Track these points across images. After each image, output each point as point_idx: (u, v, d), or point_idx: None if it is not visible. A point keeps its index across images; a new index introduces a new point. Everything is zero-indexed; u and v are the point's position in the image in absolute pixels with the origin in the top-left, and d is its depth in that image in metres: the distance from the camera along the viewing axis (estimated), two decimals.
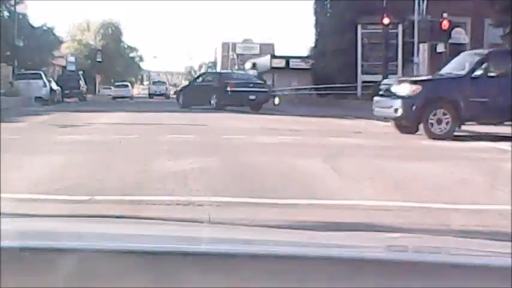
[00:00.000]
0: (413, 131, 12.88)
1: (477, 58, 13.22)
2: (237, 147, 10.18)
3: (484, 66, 12.91)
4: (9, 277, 1.13)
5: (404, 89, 12.80)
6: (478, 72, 12.80)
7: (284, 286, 1.15)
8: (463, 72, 12.99)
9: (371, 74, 30.28)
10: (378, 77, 28.68)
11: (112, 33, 76.82)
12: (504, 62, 13.13)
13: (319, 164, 8.01)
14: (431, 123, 12.51)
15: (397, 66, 30.10)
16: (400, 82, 13.75)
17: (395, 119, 13.25)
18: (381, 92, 14.12)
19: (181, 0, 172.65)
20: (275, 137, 11.83)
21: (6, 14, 39.54)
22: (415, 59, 26.04)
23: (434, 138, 12.20)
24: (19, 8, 40.55)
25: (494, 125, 13.41)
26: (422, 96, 12.54)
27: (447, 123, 12.54)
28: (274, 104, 35.08)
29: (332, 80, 31.98)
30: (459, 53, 14.82)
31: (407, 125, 13.09)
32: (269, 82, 53.10)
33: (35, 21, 44.31)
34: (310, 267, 1.17)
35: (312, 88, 39.45)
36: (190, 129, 13.57)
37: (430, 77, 15.83)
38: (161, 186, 6.23)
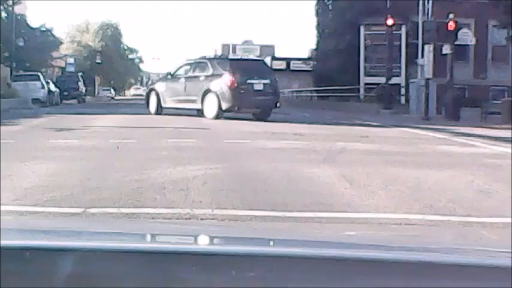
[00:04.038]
0: None
1: None
2: (241, 152, 9.75)
3: None
4: (9, 277, 1.15)
5: None
6: None
7: (284, 286, 1.16)
8: None
9: (374, 76, 29.89)
10: (381, 79, 28.32)
11: (111, 35, 76.60)
12: None
13: (329, 172, 7.57)
14: None
15: (400, 68, 29.70)
16: None
17: None
18: None
19: (181, 1, 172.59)
20: (280, 142, 11.42)
21: (4, 14, 39.14)
22: (419, 61, 25.64)
23: None
24: (17, 9, 40.23)
25: None
26: None
27: None
28: (276, 107, 34.73)
29: (334, 82, 31.60)
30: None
31: None
32: None
33: (34, 21, 44.07)
34: (310, 267, 1.17)
35: (313, 90, 39.09)
36: (192, 133, 13.15)
37: None
38: (160, 197, 5.79)
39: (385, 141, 12.34)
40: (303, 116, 22.81)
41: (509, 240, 2.26)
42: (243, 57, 20.47)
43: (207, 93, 19.01)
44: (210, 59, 20.64)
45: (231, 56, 20.30)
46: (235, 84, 18.64)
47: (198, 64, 20.39)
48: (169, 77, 21.32)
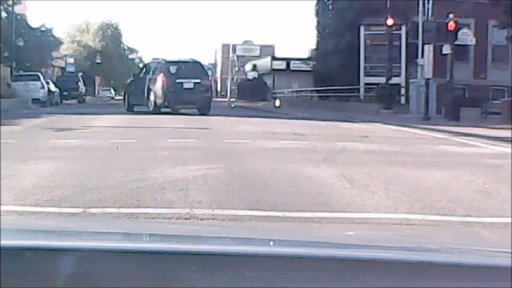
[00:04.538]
0: None
1: None
2: (241, 152, 9.75)
3: None
4: (9, 277, 1.14)
5: None
6: None
7: (284, 286, 1.16)
8: None
9: (374, 76, 29.84)
10: (381, 79, 28.29)
11: (111, 35, 76.53)
12: None
13: (329, 172, 7.57)
14: None
15: (400, 68, 29.67)
16: None
17: None
18: None
19: (181, 1, 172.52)
20: (280, 142, 11.41)
21: (4, 14, 39.11)
22: (419, 61, 25.60)
23: None
24: (17, 9, 40.19)
25: None
26: None
27: None
28: (276, 107, 34.71)
29: (334, 82, 31.56)
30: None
31: None
32: (269, 84, 53.17)
33: (34, 21, 44.02)
34: (310, 267, 1.17)
35: (313, 90, 39.08)
36: (192, 133, 13.14)
37: None
38: (160, 197, 5.79)
39: (385, 141, 12.34)
40: (303, 116, 22.81)
41: (509, 240, 2.26)
42: (180, 60, 23.30)
43: (149, 92, 22.53)
44: (155, 62, 24.43)
45: (169, 59, 23.12)
46: (165, 84, 21.70)
47: (149, 66, 24.41)
48: (133, 78, 26.05)
